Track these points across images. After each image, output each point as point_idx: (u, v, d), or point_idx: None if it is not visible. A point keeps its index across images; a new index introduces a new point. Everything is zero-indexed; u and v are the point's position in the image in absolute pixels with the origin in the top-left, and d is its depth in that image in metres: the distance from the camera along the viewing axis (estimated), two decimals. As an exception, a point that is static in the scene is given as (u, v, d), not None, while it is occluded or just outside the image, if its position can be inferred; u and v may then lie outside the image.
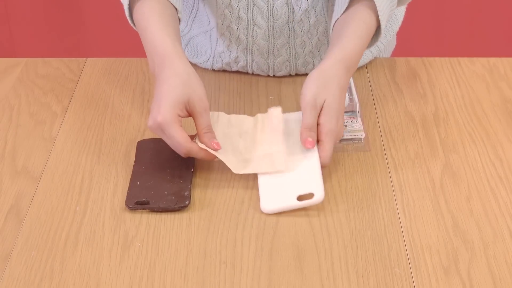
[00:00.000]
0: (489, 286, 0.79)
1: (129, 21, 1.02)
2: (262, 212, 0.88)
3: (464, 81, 1.13)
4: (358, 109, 1.03)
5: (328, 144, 0.90)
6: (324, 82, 0.92)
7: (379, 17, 0.96)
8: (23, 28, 2.27)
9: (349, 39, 0.95)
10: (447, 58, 1.18)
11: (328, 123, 0.90)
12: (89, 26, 2.25)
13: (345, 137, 0.99)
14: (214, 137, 0.92)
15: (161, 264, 0.82)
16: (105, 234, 0.86)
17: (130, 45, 2.24)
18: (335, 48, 0.95)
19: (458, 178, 0.93)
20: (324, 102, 0.91)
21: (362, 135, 0.99)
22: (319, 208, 0.89)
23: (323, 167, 0.90)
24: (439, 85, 1.12)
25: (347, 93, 1.04)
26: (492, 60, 1.18)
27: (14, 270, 0.81)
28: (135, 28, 1.01)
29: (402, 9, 1.20)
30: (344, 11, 0.98)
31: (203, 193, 0.91)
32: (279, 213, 0.88)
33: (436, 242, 0.84)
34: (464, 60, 1.18)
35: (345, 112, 1.03)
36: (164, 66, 0.92)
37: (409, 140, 1.00)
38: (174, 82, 0.90)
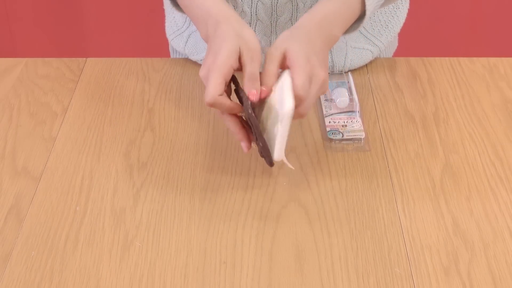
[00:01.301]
0: (489, 286, 0.79)
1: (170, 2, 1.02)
2: (262, 212, 0.88)
3: (464, 81, 1.13)
4: (358, 109, 1.03)
5: (297, 79, 0.85)
6: (289, 35, 0.90)
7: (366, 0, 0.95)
8: (23, 28, 2.27)
9: (327, 1, 0.93)
10: (447, 58, 1.18)
11: (296, 60, 0.87)
12: (89, 26, 2.25)
13: (345, 137, 0.99)
14: (255, 87, 0.87)
15: (161, 264, 0.82)
16: (105, 234, 0.86)
17: (130, 45, 2.25)
18: (310, 10, 0.93)
19: (458, 178, 0.94)
20: (287, 49, 0.88)
21: (362, 135, 0.99)
22: (319, 208, 0.89)
23: (300, 116, 0.87)
24: (439, 85, 1.12)
25: (347, 93, 1.04)
26: (492, 60, 1.18)
27: (14, 270, 0.81)
28: (175, 7, 1.01)
29: (405, 10, 1.20)
30: None
31: (203, 193, 0.91)
32: (279, 214, 0.88)
33: (436, 242, 0.84)
34: (464, 60, 1.18)
35: (345, 112, 1.03)
36: (219, 24, 0.90)
37: (409, 140, 1.00)
38: (227, 34, 0.89)
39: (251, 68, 0.88)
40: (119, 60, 1.18)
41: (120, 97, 1.09)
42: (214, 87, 0.85)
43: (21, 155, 0.98)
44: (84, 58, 1.19)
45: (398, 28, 1.20)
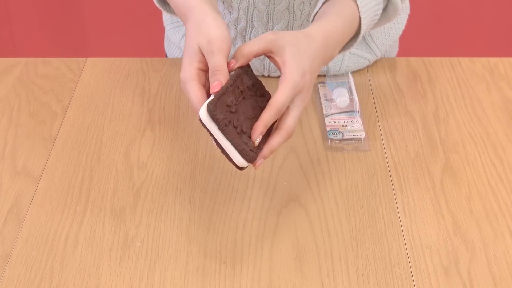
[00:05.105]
0: (489, 286, 0.79)
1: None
2: (262, 212, 0.88)
3: (465, 81, 1.13)
4: (358, 109, 1.03)
5: (282, 94, 0.79)
6: (296, 40, 0.83)
7: (360, 14, 0.92)
8: (23, 28, 2.27)
9: (336, 16, 0.90)
10: (447, 58, 1.18)
11: (290, 73, 0.80)
12: (89, 26, 2.25)
13: (345, 137, 0.99)
14: (219, 79, 0.80)
15: (161, 264, 0.82)
16: (105, 234, 0.86)
17: (130, 45, 2.25)
18: (314, 24, 0.89)
19: (458, 178, 0.93)
20: (287, 55, 0.82)
21: (362, 135, 0.99)
22: (319, 208, 0.89)
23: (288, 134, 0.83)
24: (439, 85, 1.12)
25: (347, 93, 1.04)
26: (493, 60, 1.18)
27: (14, 270, 0.81)
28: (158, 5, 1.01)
29: (405, 16, 1.19)
30: (326, 1, 0.93)
31: (203, 192, 0.91)
32: (279, 214, 0.88)
33: (436, 242, 0.84)
34: (464, 60, 1.18)
35: (345, 112, 1.03)
36: (186, 21, 0.88)
37: (409, 140, 1.00)
38: (188, 34, 0.85)
39: (212, 62, 0.82)
40: (119, 60, 1.18)
41: (120, 97, 1.09)
42: (195, 97, 0.81)
43: (21, 155, 0.98)
44: (84, 58, 1.19)
45: (398, 34, 1.19)
